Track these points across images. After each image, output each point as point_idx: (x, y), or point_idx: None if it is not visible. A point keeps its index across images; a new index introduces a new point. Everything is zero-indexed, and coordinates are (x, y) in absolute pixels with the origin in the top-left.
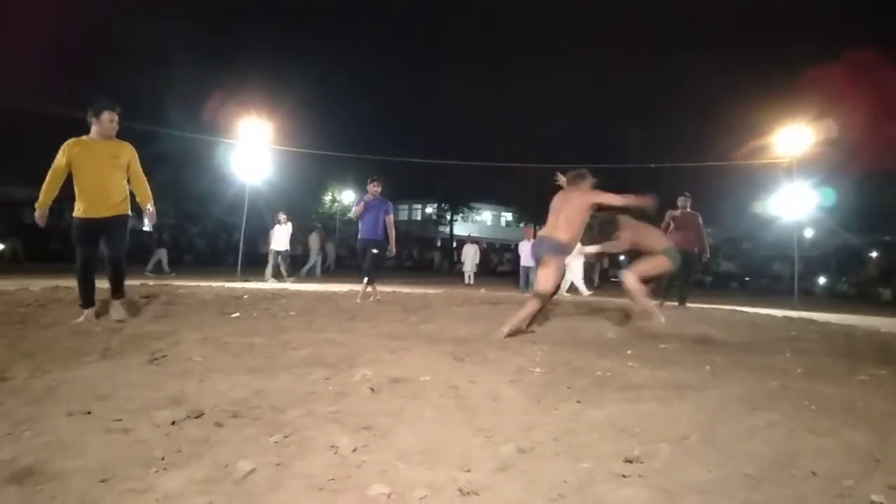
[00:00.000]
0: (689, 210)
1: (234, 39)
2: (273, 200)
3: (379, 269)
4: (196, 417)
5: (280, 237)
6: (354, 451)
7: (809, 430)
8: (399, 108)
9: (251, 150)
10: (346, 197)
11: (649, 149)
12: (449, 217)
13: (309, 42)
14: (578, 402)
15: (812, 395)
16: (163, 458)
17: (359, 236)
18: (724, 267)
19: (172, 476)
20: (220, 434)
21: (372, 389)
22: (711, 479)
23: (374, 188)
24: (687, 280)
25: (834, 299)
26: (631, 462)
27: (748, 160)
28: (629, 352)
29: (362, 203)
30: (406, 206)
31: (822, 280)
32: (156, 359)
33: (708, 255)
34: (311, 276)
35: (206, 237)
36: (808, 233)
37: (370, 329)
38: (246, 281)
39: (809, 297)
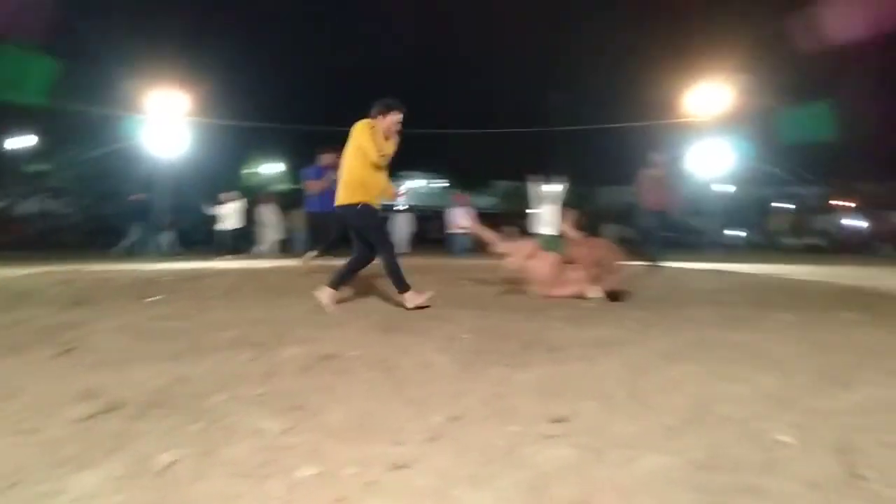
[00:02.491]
0: (662, 168)
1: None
2: (192, 176)
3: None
4: (112, 411)
5: (230, 215)
6: (282, 433)
7: (723, 377)
8: (323, 75)
9: (164, 123)
10: (267, 169)
11: (571, 111)
12: None
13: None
14: (507, 365)
15: (726, 344)
16: (77, 457)
17: (315, 209)
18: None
19: (87, 475)
20: (139, 426)
21: (301, 368)
22: (635, 432)
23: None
24: (666, 239)
25: (750, 250)
26: (558, 422)
27: (666, 119)
28: (555, 313)
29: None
30: None
31: (738, 232)
32: (67, 350)
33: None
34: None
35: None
36: (725, 187)
37: (299, 305)
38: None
39: (727, 249)
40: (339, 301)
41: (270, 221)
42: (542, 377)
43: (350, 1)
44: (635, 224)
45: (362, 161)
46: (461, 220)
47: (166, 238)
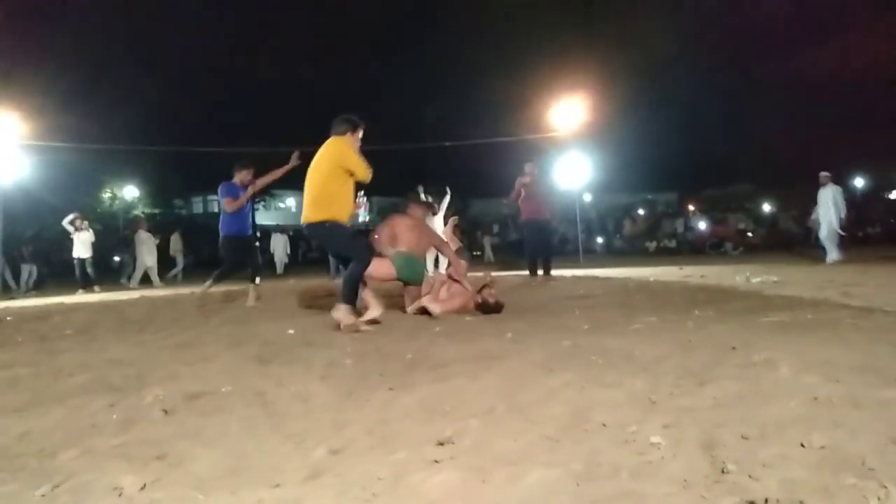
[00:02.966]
0: (535, 177)
1: None
2: (37, 203)
3: None
4: None
5: (82, 244)
6: (143, 488)
7: (598, 383)
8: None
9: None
10: (129, 192)
11: (443, 127)
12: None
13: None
14: (391, 388)
15: (598, 350)
16: None
17: (241, 232)
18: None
19: None
20: None
21: (165, 411)
22: (518, 447)
23: (247, 176)
24: (547, 248)
25: (611, 255)
26: (443, 444)
27: (531, 135)
28: (437, 329)
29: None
30: (199, 198)
31: (599, 239)
32: None
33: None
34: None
35: None
36: (586, 197)
37: (163, 340)
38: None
39: (591, 255)
40: (210, 330)
41: (146, 247)
42: (426, 397)
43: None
44: (512, 234)
45: (338, 177)
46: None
47: (25, 272)
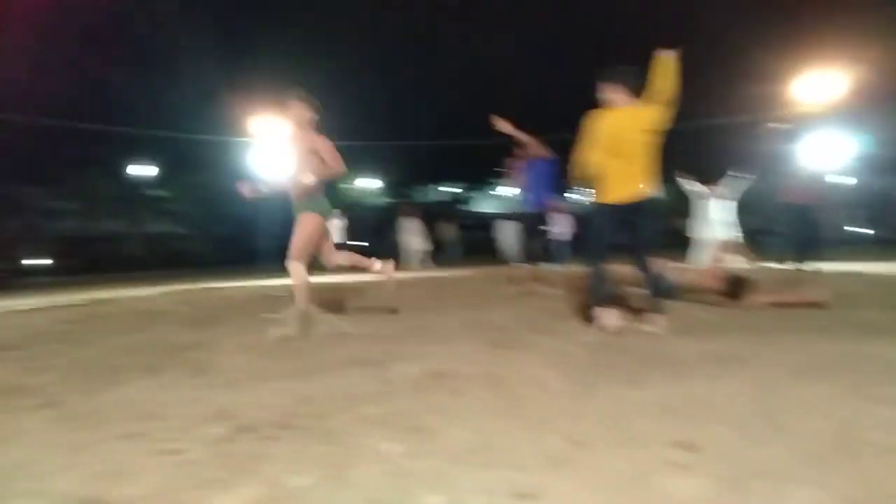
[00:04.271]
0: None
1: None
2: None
3: None
4: (246, 432)
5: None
6: (404, 456)
7: (868, 398)
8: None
9: (271, 146)
10: (370, 183)
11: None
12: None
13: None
14: (623, 383)
15: (867, 359)
16: (216, 479)
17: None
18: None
19: (228, 497)
20: (270, 448)
21: (414, 386)
22: (773, 461)
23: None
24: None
25: (879, 248)
26: (687, 448)
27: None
28: (670, 325)
29: None
30: (429, 187)
31: (867, 230)
32: (199, 370)
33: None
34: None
35: (232, 234)
36: (848, 181)
37: (407, 320)
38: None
39: (855, 247)
40: (443, 314)
41: (414, 233)
42: (663, 397)
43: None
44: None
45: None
46: (561, 226)
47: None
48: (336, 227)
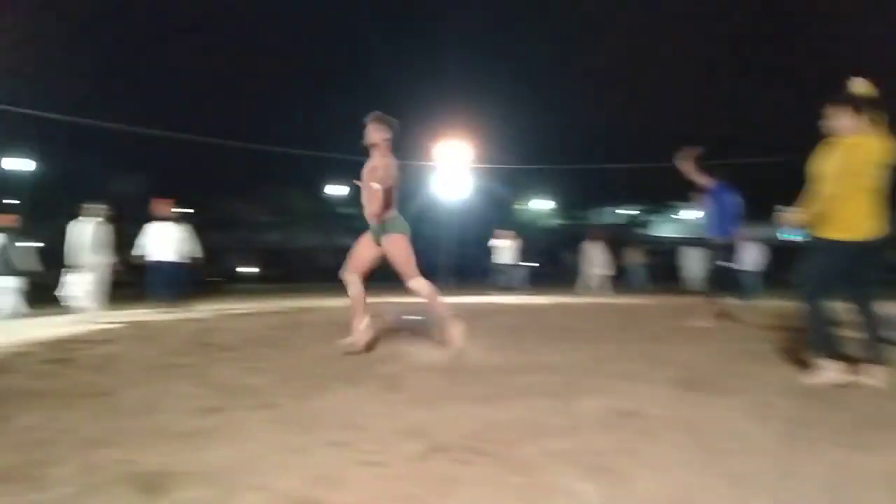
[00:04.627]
0: None
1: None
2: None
3: None
4: (439, 452)
5: (505, 250)
6: (600, 499)
7: None
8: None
9: (451, 171)
10: (542, 204)
11: None
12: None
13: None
14: (841, 445)
15: None
16: (417, 496)
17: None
18: None
19: None
20: (463, 471)
21: (601, 423)
22: None
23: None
24: None
25: None
26: None
27: None
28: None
29: None
30: (603, 210)
31: None
32: (391, 386)
33: None
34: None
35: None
36: None
37: (584, 351)
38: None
39: None
40: (627, 346)
41: (596, 258)
42: (894, 465)
43: None
44: None
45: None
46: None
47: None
48: (508, 247)
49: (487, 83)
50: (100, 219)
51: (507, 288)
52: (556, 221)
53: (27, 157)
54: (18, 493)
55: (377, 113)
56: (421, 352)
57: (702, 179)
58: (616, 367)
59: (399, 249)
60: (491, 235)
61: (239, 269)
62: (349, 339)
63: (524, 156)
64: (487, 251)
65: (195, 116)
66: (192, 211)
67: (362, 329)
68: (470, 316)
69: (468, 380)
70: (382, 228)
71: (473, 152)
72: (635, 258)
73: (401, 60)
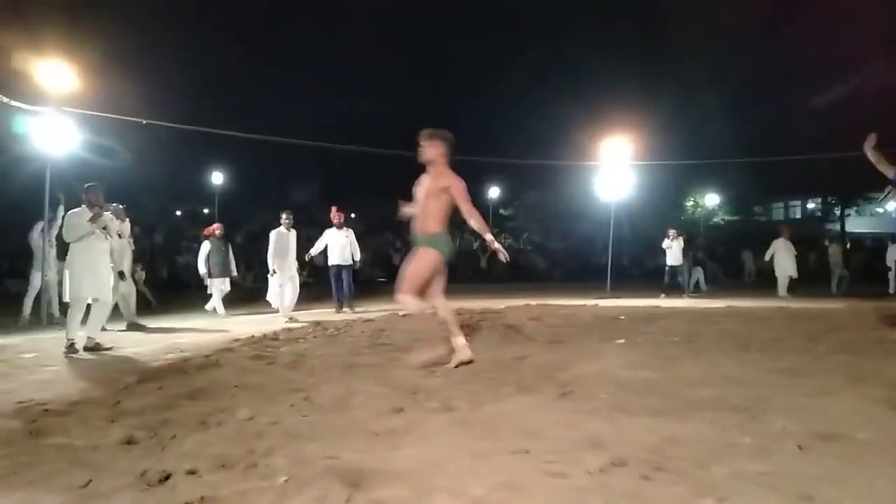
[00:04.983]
0: None
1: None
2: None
3: None
4: (620, 466)
5: (674, 252)
6: None
7: None
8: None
9: (613, 169)
10: (710, 200)
11: None
12: (839, 212)
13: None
14: None
15: None
16: None
17: None
18: None
19: None
20: (646, 488)
21: (799, 447)
22: None
23: None
24: None
25: None
26: None
27: None
28: None
29: None
30: (780, 204)
31: None
32: (565, 394)
33: None
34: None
35: (570, 252)
36: None
37: (768, 362)
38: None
39: None
40: (819, 357)
41: (785, 258)
42: None
43: None
44: None
45: None
46: None
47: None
48: (677, 247)
49: (652, 77)
50: (290, 226)
51: (677, 290)
52: (727, 218)
53: (218, 171)
54: (242, 480)
55: (430, 130)
56: (591, 361)
57: (888, 169)
58: (809, 382)
59: (424, 262)
60: (656, 235)
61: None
62: (459, 356)
63: (692, 149)
64: (653, 251)
65: (359, 128)
66: (353, 216)
67: (461, 343)
68: (641, 321)
69: (643, 390)
70: (425, 240)
71: (637, 148)
72: (837, 257)
73: (556, 61)
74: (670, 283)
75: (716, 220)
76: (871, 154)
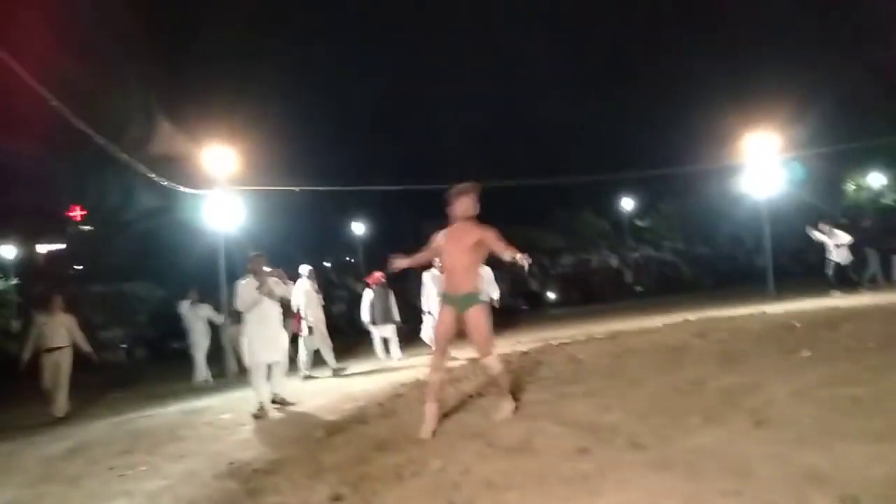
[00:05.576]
0: None
1: None
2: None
3: None
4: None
5: (836, 248)
6: None
7: None
8: None
9: (760, 166)
10: (874, 180)
11: None
12: None
13: None
14: None
15: None
16: None
17: None
18: None
19: None
20: None
21: None
22: None
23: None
24: None
25: None
26: None
27: None
28: None
29: None
30: None
31: None
32: (760, 422)
33: None
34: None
35: (719, 256)
36: None
37: None
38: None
39: None
40: None
41: None
42: None
43: None
44: None
45: None
46: None
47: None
48: (841, 239)
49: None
50: (441, 267)
51: (850, 285)
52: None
53: (358, 222)
54: None
55: (462, 186)
56: (780, 380)
57: None
58: None
59: (483, 320)
60: (815, 227)
61: (544, 295)
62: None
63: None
64: (815, 245)
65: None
66: None
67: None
68: (822, 327)
69: (853, 411)
70: (469, 298)
71: (784, 140)
72: None
73: (690, 59)
74: (837, 277)
75: (885, 201)
76: None
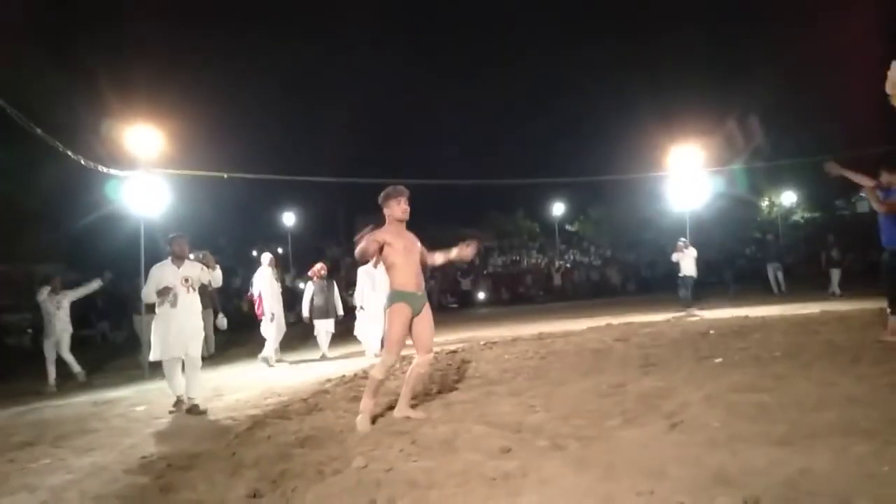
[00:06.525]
0: None
1: None
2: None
3: None
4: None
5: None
6: None
7: None
8: None
9: (684, 178)
10: (786, 199)
11: None
12: None
13: None
14: None
15: None
16: None
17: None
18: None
19: None
20: None
21: None
22: None
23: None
24: None
25: None
26: None
27: None
28: None
29: None
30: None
31: None
32: (674, 424)
33: None
34: None
35: (642, 262)
36: None
37: (884, 376)
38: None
39: None
40: None
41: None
42: None
43: None
44: None
45: None
46: None
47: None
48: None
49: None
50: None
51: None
52: (807, 215)
53: (289, 212)
54: None
55: (399, 188)
56: (694, 385)
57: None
58: None
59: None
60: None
61: (472, 294)
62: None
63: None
64: (730, 257)
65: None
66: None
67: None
68: (732, 336)
69: (759, 416)
70: (424, 297)
71: (706, 155)
72: None
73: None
74: (685, 294)
75: (795, 218)
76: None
